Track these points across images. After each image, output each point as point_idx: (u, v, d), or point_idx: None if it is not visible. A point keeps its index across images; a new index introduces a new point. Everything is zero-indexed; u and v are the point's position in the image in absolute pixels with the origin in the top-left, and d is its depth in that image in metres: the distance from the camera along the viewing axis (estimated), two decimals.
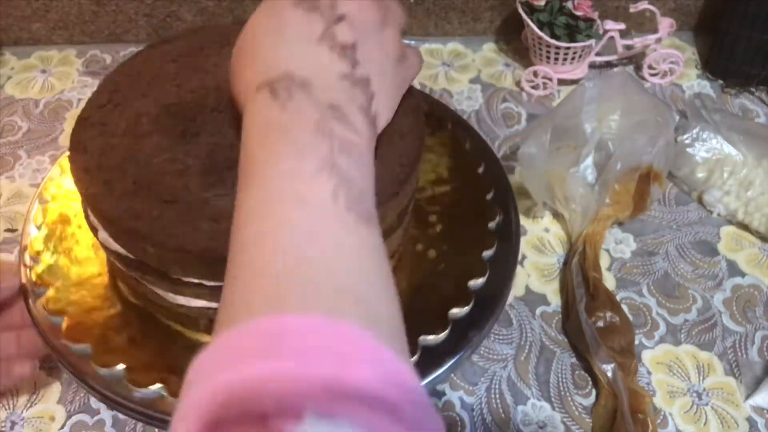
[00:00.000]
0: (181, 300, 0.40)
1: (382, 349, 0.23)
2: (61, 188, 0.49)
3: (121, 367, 0.39)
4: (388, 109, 0.34)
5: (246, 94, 0.31)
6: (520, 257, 0.56)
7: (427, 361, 0.41)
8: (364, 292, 0.25)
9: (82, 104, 0.67)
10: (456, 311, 0.42)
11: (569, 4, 0.66)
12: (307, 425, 0.20)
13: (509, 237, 0.47)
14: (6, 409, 0.47)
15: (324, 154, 0.28)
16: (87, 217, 0.41)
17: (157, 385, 0.39)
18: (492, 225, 0.47)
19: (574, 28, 0.66)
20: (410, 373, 0.23)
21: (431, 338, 0.41)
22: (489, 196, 0.49)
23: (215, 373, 0.22)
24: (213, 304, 0.40)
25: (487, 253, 0.45)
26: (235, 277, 0.26)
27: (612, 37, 0.68)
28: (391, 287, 0.27)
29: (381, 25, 0.33)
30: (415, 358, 0.40)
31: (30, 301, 0.43)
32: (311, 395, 0.20)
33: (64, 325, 0.41)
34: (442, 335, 0.41)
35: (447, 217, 0.47)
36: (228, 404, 0.21)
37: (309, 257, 0.25)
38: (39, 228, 0.46)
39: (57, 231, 0.46)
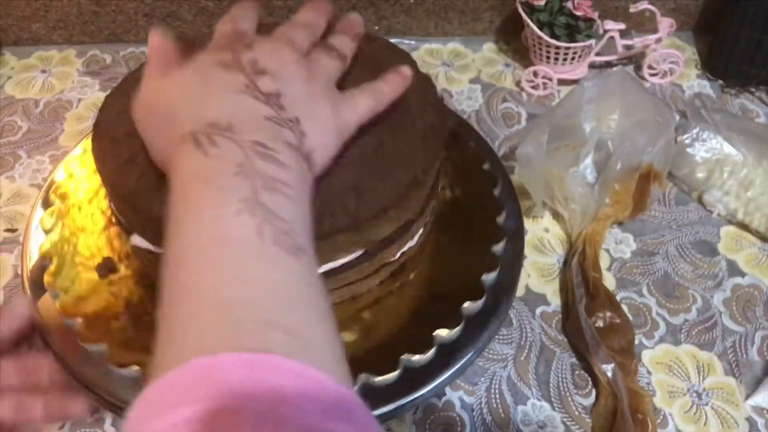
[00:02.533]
0: None
1: (309, 369, 0.23)
2: (68, 188, 0.49)
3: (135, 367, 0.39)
4: (326, 147, 0.34)
5: (167, 151, 0.32)
6: None
7: (440, 357, 0.41)
8: (294, 324, 0.25)
9: (82, 104, 0.68)
10: (469, 306, 0.43)
11: (569, 4, 0.66)
12: None
13: (514, 233, 0.48)
14: None
15: (246, 195, 0.28)
16: (118, 222, 0.41)
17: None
18: (500, 220, 0.47)
19: (574, 28, 0.66)
20: (350, 394, 0.24)
21: (445, 333, 0.41)
22: (496, 192, 0.49)
23: (147, 422, 0.22)
24: None
25: (497, 248, 0.46)
26: (168, 325, 0.26)
27: (612, 37, 0.68)
28: (326, 316, 0.27)
29: (307, 77, 0.34)
30: (431, 353, 0.41)
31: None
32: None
33: (78, 323, 0.41)
34: (456, 330, 0.42)
35: (453, 212, 0.47)
36: None
37: (235, 297, 0.25)
38: (47, 232, 0.46)
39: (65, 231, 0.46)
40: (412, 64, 0.42)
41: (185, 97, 0.32)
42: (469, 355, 0.42)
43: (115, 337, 0.41)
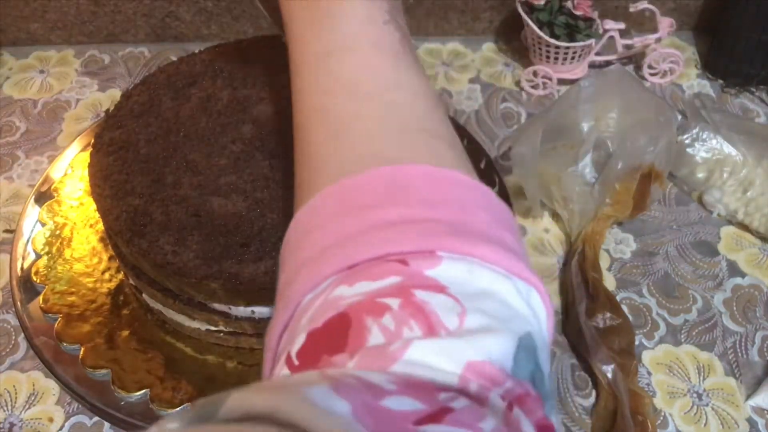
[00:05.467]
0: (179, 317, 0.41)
1: (490, 195, 0.24)
2: (59, 190, 0.48)
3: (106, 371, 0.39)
4: None
5: None
6: None
7: None
8: (448, 135, 0.26)
9: (81, 104, 0.68)
10: None
11: (569, 4, 0.66)
12: (444, 267, 0.20)
13: None
14: (4, 410, 0.47)
15: (388, 8, 0.28)
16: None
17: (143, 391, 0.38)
18: None
19: (574, 28, 0.66)
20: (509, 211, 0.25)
21: None
22: (494, 190, 0.49)
23: (342, 217, 0.22)
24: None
25: None
26: (328, 121, 0.26)
27: (612, 37, 0.68)
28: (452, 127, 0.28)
29: None
30: None
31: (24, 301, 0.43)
32: (443, 238, 0.21)
33: (57, 324, 0.41)
34: None
35: None
36: (366, 246, 0.21)
37: (397, 103, 0.25)
38: (42, 225, 0.46)
39: (57, 232, 0.46)
40: None
41: None
42: None
43: (91, 337, 0.40)
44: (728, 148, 0.60)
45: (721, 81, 0.71)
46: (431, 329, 0.19)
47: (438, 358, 0.18)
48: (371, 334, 0.19)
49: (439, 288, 0.20)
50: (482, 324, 0.19)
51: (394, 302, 0.20)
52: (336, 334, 0.20)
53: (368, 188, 0.22)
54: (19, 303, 0.43)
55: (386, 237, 0.21)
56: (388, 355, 0.18)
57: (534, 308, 0.22)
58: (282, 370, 0.20)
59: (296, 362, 0.20)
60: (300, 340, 0.20)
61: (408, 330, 0.19)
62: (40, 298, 0.42)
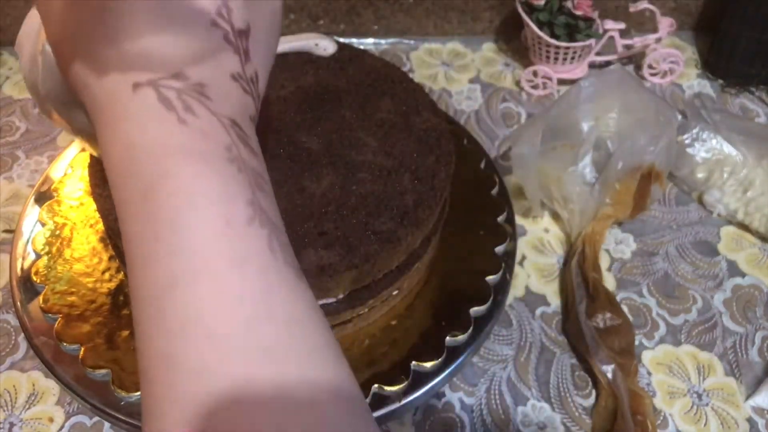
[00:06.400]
0: None
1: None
2: (59, 189, 0.48)
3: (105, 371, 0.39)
4: (264, 81, 0.27)
5: (105, 83, 0.23)
6: (520, 257, 0.56)
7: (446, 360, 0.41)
8: (329, 381, 0.21)
9: None
10: (476, 309, 0.43)
11: (569, 4, 0.65)
12: None
13: (510, 233, 0.48)
14: (4, 410, 0.47)
15: (249, 196, 0.22)
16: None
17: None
18: (501, 219, 0.47)
19: (574, 28, 0.66)
20: None
21: (456, 339, 0.42)
22: (494, 191, 0.49)
23: None
24: None
25: (499, 249, 0.46)
26: (163, 381, 0.21)
27: (612, 37, 0.68)
28: (337, 350, 0.23)
29: None
30: (441, 359, 0.41)
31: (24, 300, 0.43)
32: None
33: (57, 324, 0.41)
34: (466, 335, 0.42)
35: (452, 213, 0.47)
36: None
37: (267, 344, 0.21)
38: (42, 225, 0.46)
39: (56, 231, 0.46)
40: (403, 76, 0.43)
41: (137, 9, 0.23)
42: (465, 355, 0.42)
43: (91, 337, 0.40)
44: (728, 148, 0.60)
45: (721, 81, 0.71)
46: None
47: None
48: None
49: None
50: None
51: None
52: None
53: None
54: (19, 303, 0.43)
55: None
56: None
57: None
58: None
59: None
60: None
61: None
62: (40, 298, 0.42)
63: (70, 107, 0.31)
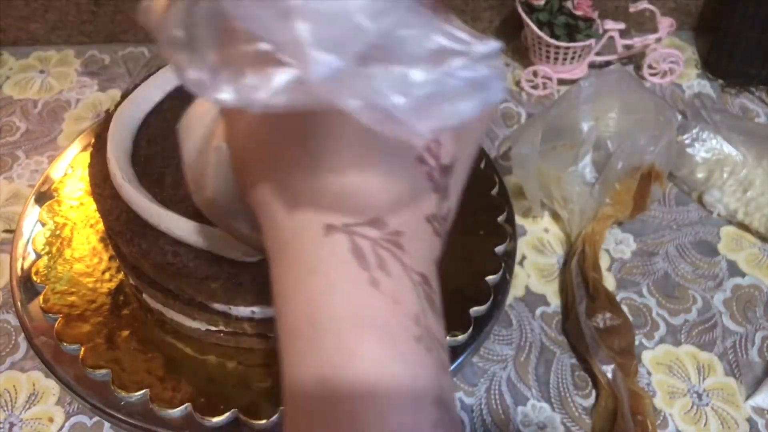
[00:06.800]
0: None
1: None
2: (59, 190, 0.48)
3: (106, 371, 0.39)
4: (453, 217, 0.24)
5: (294, 218, 0.21)
6: (520, 257, 0.56)
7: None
8: None
9: (81, 104, 0.68)
10: (476, 309, 0.43)
11: (569, 4, 0.65)
12: None
13: (509, 233, 0.48)
14: (4, 410, 0.47)
15: (436, 392, 0.20)
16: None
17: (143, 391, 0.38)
18: (501, 219, 0.47)
19: (574, 28, 0.66)
20: None
21: (457, 338, 0.41)
22: (494, 191, 0.49)
23: None
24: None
25: (499, 249, 0.46)
26: None
27: (612, 37, 0.68)
28: None
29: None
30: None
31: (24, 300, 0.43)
32: None
33: (57, 324, 0.41)
34: (467, 335, 0.42)
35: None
36: None
37: None
38: (42, 225, 0.46)
39: (56, 231, 0.46)
40: None
41: (346, 139, 0.20)
42: (465, 355, 0.42)
43: (91, 337, 0.40)
44: (728, 148, 0.60)
45: (721, 81, 0.71)
46: None
47: None
48: None
49: None
50: None
51: None
52: None
53: None
54: (19, 303, 0.43)
55: None
56: None
57: None
58: None
59: None
60: None
61: None
62: (40, 298, 0.42)
63: (235, 216, 0.27)
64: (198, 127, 0.27)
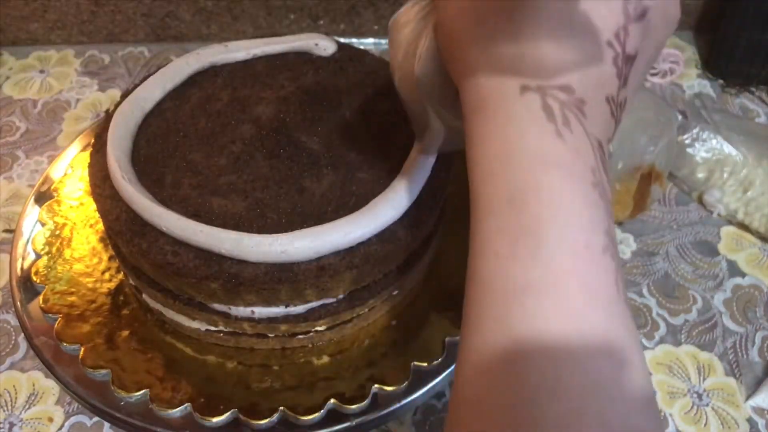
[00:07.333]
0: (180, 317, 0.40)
1: None
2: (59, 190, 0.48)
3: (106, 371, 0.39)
4: (627, 109, 0.26)
5: (493, 79, 0.24)
6: None
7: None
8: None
9: (81, 104, 0.68)
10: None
11: None
12: None
13: None
14: (4, 410, 0.47)
15: (606, 226, 0.22)
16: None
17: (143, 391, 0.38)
18: None
19: None
20: None
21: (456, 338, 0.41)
22: None
23: None
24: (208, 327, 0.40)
25: None
26: (497, 400, 0.21)
27: None
28: None
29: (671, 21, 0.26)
30: (441, 359, 0.40)
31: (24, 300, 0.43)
32: None
33: (57, 324, 0.41)
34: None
35: (451, 213, 0.47)
36: None
37: (601, 380, 0.21)
38: (41, 225, 0.46)
39: (56, 231, 0.46)
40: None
41: (546, 11, 0.23)
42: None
43: (91, 337, 0.40)
44: (728, 148, 0.60)
45: (721, 81, 0.71)
46: None
47: None
48: None
49: None
50: None
51: None
52: None
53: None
54: (19, 303, 0.43)
55: None
56: None
57: None
58: None
59: None
60: None
61: None
62: (40, 298, 0.42)
63: (431, 93, 0.31)
64: (407, 26, 0.31)
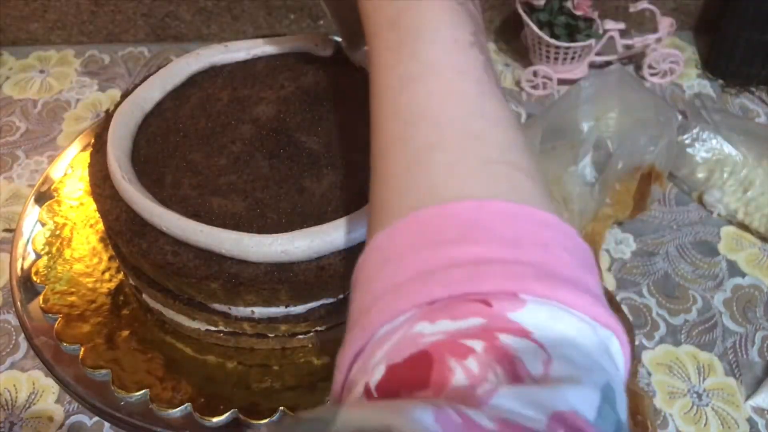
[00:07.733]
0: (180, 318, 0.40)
1: (573, 235, 0.23)
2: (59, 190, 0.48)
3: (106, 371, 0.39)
4: None
5: None
6: None
7: None
8: (529, 167, 0.25)
9: (81, 104, 0.68)
10: None
11: (569, 4, 0.65)
12: (527, 311, 0.20)
13: None
14: (4, 410, 0.47)
15: (473, 29, 0.27)
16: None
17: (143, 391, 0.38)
18: None
19: (574, 28, 0.66)
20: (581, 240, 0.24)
21: None
22: None
23: (420, 251, 0.22)
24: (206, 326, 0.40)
25: None
26: (402, 151, 0.25)
27: (612, 37, 0.68)
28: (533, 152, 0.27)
29: None
30: None
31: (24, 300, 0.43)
32: (527, 280, 0.21)
33: (57, 324, 0.41)
34: None
35: None
36: (447, 283, 0.21)
37: (479, 132, 0.25)
38: (41, 225, 0.46)
39: (56, 231, 0.46)
40: None
41: None
42: None
43: (91, 337, 0.40)
44: (728, 148, 0.60)
45: (721, 81, 0.71)
46: (516, 376, 0.19)
47: (524, 406, 0.18)
48: (454, 375, 0.19)
49: (523, 332, 0.20)
50: (567, 373, 0.19)
51: (477, 345, 0.19)
52: (418, 371, 0.19)
53: (448, 223, 0.22)
54: (19, 303, 0.43)
55: (468, 275, 0.21)
56: (475, 398, 0.18)
57: (613, 355, 0.22)
58: (360, 400, 0.20)
59: (375, 395, 0.20)
60: (378, 372, 0.20)
61: (493, 375, 0.19)
62: (40, 298, 0.42)
63: None
64: None
